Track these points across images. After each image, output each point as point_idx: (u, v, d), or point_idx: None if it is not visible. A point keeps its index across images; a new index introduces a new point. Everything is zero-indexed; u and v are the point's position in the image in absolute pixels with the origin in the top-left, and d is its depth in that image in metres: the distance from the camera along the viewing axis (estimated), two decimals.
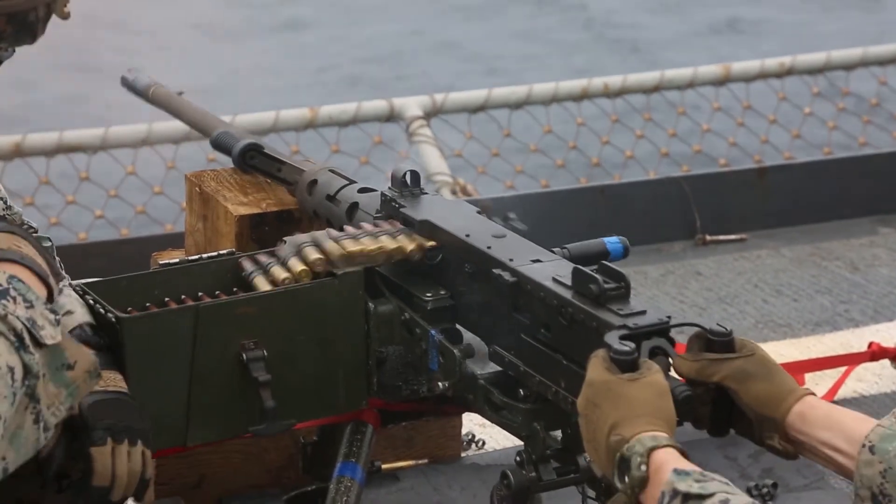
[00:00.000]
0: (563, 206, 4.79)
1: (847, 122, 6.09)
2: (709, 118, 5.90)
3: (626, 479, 1.86)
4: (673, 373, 2.06)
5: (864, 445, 1.91)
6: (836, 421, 1.99)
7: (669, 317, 2.07)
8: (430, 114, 5.41)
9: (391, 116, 5.40)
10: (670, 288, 4.48)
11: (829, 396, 3.68)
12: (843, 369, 3.77)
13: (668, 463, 1.84)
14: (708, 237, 4.88)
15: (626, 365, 1.97)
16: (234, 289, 2.51)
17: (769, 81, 5.92)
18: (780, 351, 3.98)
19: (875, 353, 3.78)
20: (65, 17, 2.35)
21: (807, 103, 6.03)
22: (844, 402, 3.70)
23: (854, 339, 4.06)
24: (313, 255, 2.43)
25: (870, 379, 3.84)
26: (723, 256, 4.73)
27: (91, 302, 2.40)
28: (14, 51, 2.32)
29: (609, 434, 1.91)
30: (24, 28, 2.27)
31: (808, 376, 3.75)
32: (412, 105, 5.40)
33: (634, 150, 5.86)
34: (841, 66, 5.95)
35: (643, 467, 1.85)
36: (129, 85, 3.18)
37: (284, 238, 2.53)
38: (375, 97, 5.65)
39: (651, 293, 4.43)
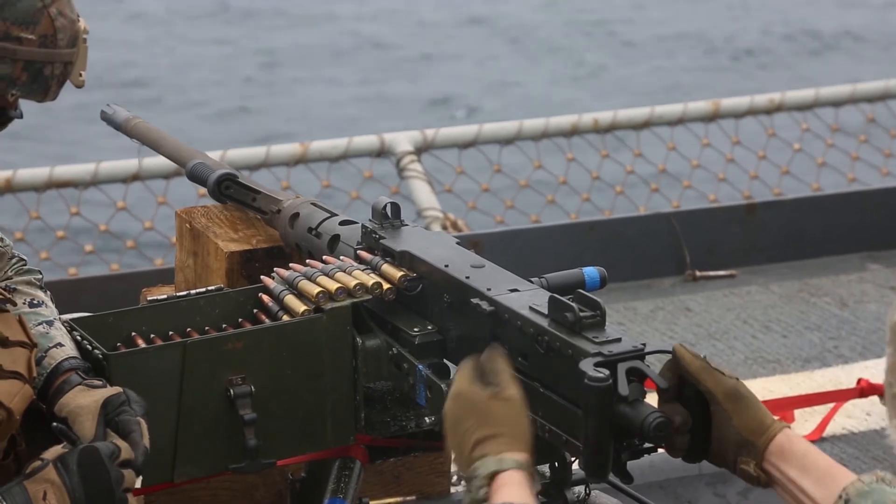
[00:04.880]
0: (553, 242, 4.80)
1: (836, 159, 6.11)
2: (698, 154, 5.93)
3: (466, 499, 1.95)
4: (648, 396, 2.07)
5: (840, 497, 1.92)
6: (811, 462, 2.00)
7: (644, 344, 2.09)
8: (421, 149, 5.43)
9: (382, 152, 5.42)
10: (660, 324, 4.49)
11: (818, 433, 3.68)
12: (832, 405, 3.78)
13: (501, 490, 1.92)
14: (697, 273, 4.89)
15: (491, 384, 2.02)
16: (224, 325, 2.52)
17: (758, 118, 5.95)
18: (770, 387, 3.98)
19: (864, 389, 3.78)
20: (79, 85, 2.37)
21: (796, 139, 6.06)
22: (833, 439, 3.71)
23: (843, 376, 4.07)
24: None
25: (858, 415, 3.84)
26: (712, 292, 4.74)
27: (78, 338, 2.41)
28: (22, 113, 2.33)
29: (472, 450, 1.99)
30: (39, 80, 2.29)
31: (797, 412, 3.75)
32: (403, 140, 5.41)
33: (624, 185, 5.88)
34: (829, 102, 5.98)
35: (482, 491, 1.94)
36: (108, 119, 3.20)
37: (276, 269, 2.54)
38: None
39: (641, 329, 4.43)
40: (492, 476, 1.94)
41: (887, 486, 1.92)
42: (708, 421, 2.07)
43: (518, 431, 1.99)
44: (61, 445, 2.16)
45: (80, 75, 2.37)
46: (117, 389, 2.24)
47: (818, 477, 1.97)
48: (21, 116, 2.34)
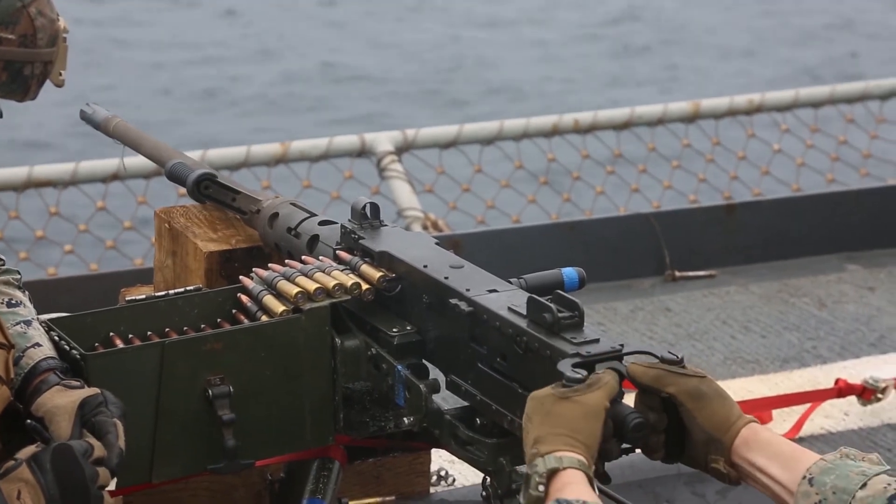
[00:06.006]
0: (533, 242, 4.81)
1: (815, 159, 6.13)
2: (678, 154, 5.93)
3: (524, 497, 1.93)
4: (625, 399, 2.08)
5: (804, 477, 1.95)
6: (775, 449, 2.03)
7: (622, 345, 2.10)
8: (402, 149, 5.43)
9: (362, 152, 5.41)
10: (640, 324, 4.49)
11: (795, 432, 3.70)
12: (809, 405, 3.79)
13: (565, 488, 1.89)
14: (677, 273, 4.90)
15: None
16: (202, 325, 2.51)
17: (738, 118, 5.96)
18: (749, 387, 3.99)
19: (842, 389, 3.80)
20: (59, 84, 2.37)
21: (776, 140, 6.08)
22: (811, 438, 3.72)
23: (821, 376, 4.08)
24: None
25: (837, 415, 3.86)
26: (692, 293, 4.75)
27: (56, 338, 2.40)
28: (1, 112, 2.33)
29: (531, 448, 1.97)
30: (19, 80, 2.29)
31: (775, 412, 3.77)
32: (383, 140, 5.41)
33: (605, 185, 5.89)
34: (809, 103, 6.00)
35: (541, 487, 1.91)
36: (87, 118, 3.19)
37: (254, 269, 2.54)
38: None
39: (620, 329, 4.44)
40: (551, 473, 1.92)
41: (851, 461, 1.94)
42: (681, 422, 2.09)
43: (580, 434, 1.96)
44: (35, 445, 2.16)
45: (60, 74, 2.38)
46: (94, 390, 2.23)
47: (784, 461, 2.00)
48: (0, 115, 2.33)
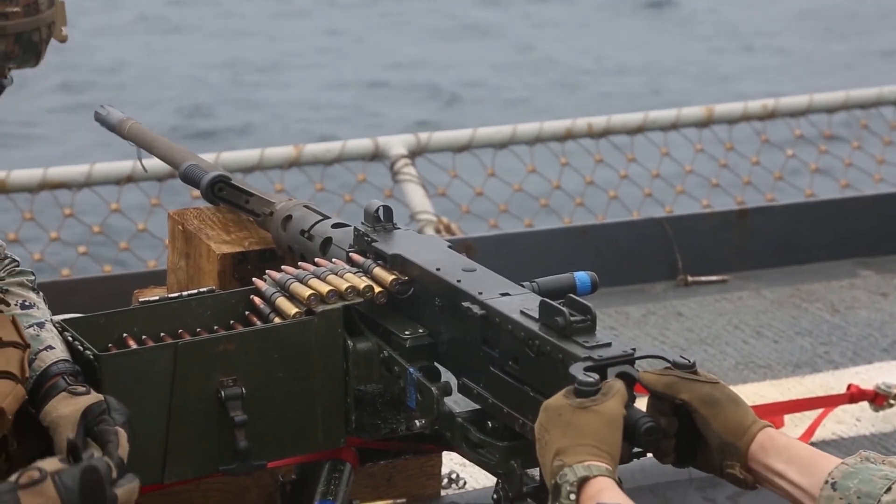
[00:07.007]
0: (546, 246, 4.81)
1: (829, 165, 6.13)
2: (692, 159, 5.93)
3: None
4: (637, 402, 2.08)
5: (826, 482, 1.95)
6: (793, 454, 2.03)
7: (634, 349, 2.10)
8: (415, 153, 5.44)
9: (376, 155, 5.42)
10: (651, 329, 4.50)
11: (808, 437, 3.69)
12: (822, 411, 3.79)
13: (600, 493, 1.88)
14: (689, 278, 4.90)
15: (589, 396, 2.00)
16: (215, 327, 2.52)
17: (752, 123, 5.96)
18: (761, 392, 3.99)
19: (854, 395, 3.80)
20: (62, 39, 2.41)
21: (789, 146, 6.08)
22: (823, 444, 3.72)
23: (833, 381, 4.08)
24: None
25: (849, 421, 3.85)
26: (704, 297, 4.75)
27: (70, 339, 2.41)
28: (13, 80, 2.36)
29: (553, 460, 1.96)
30: (30, 48, 2.34)
31: (787, 417, 3.76)
32: (397, 144, 5.42)
33: (618, 190, 5.89)
34: (823, 108, 6.00)
35: (572, 496, 1.90)
36: (102, 120, 3.20)
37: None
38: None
39: (632, 333, 4.44)
40: (582, 481, 1.90)
41: (872, 464, 1.94)
42: (694, 427, 2.09)
43: (605, 444, 1.95)
44: (58, 458, 2.10)
45: (62, 31, 2.41)
46: (99, 397, 2.23)
47: (803, 466, 1.99)
48: (11, 82, 2.38)
